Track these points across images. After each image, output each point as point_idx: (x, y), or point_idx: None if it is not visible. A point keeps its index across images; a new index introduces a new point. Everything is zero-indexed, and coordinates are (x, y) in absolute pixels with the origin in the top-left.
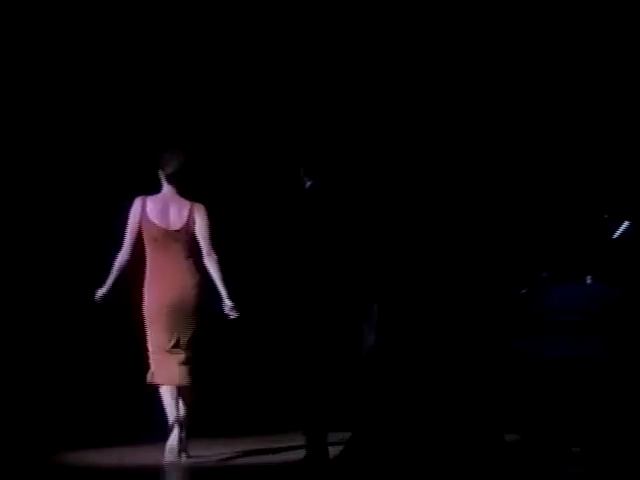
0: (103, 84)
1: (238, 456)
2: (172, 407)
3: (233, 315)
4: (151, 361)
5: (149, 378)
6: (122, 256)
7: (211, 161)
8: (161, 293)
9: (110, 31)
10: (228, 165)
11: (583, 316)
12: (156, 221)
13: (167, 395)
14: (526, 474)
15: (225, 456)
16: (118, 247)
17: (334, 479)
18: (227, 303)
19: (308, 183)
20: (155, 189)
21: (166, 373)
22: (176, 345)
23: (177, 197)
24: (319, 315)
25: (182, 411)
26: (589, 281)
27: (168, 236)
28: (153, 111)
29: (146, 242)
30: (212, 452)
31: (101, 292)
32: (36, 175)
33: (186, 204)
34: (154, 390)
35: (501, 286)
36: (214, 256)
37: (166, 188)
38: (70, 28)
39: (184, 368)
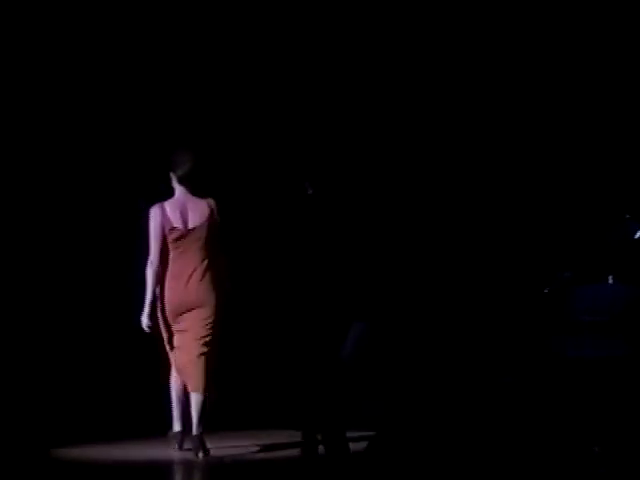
0: (113, 90)
1: (244, 451)
2: (178, 408)
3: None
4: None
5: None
6: (154, 266)
7: (218, 163)
8: (179, 294)
9: (122, 35)
10: (234, 169)
11: (605, 316)
12: (179, 224)
13: (174, 392)
14: (549, 474)
15: (238, 451)
16: (125, 251)
17: (356, 477)
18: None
19: (310, 191)
20: (168, 194)
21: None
22: (191, 345)
23: (191, 197)
24: (321, 316)
25: (193, 412)
26: (611, 281)
27: (191, 236)
28: (162, 115)
29: (169, 247)
30: (227, 446)
31: (145, 318)
32: (44, 179)
33: (201, 201)
34: (158, 384)
35: (524, 286)
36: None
37: (179, 190)
38: (82, 31)
39: (198, 374)
